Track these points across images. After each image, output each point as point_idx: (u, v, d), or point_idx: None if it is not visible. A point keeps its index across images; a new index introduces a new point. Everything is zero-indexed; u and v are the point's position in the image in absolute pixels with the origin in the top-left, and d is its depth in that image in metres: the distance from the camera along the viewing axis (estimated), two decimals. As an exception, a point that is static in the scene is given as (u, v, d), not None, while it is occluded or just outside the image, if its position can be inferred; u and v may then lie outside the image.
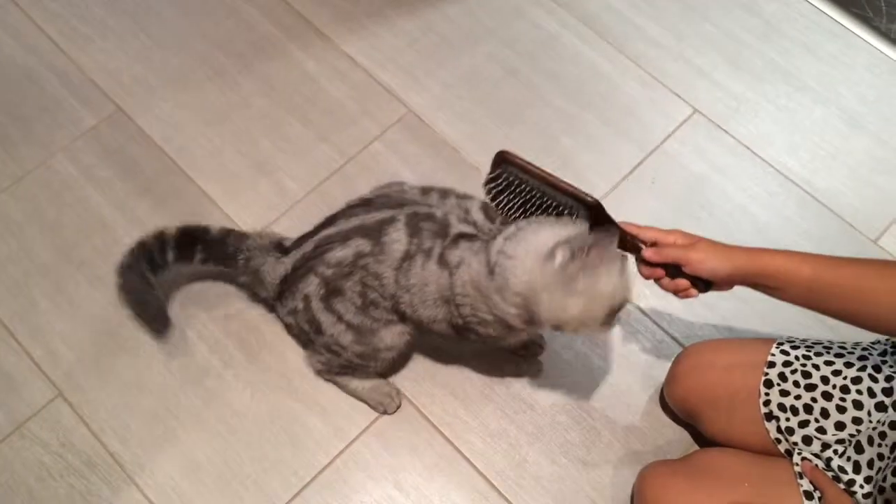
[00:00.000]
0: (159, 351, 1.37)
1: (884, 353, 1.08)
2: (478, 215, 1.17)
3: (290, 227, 1.48)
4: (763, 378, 1.11)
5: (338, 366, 1.28)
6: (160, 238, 1.25)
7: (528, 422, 1.33)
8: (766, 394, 1.10)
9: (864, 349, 1.10)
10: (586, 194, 1.01)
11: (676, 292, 1.05)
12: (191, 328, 1.39)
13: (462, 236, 1.10)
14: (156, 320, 1.28)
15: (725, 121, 1.61)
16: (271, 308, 1.34)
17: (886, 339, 1.13)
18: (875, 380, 1.05)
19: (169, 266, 1.27)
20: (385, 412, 1.33)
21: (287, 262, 1.20)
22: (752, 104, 1.64)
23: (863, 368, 1.06)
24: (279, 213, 1.50)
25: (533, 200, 1.04)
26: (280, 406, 1.33)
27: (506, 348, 1.33)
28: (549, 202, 1.04)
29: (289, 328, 1.32)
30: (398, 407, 1.33)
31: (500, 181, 1.05)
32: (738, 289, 1.44)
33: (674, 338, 1.40)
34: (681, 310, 1.42)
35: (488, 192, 1.07)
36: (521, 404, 1.34)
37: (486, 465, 1.30)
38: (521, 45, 1.69)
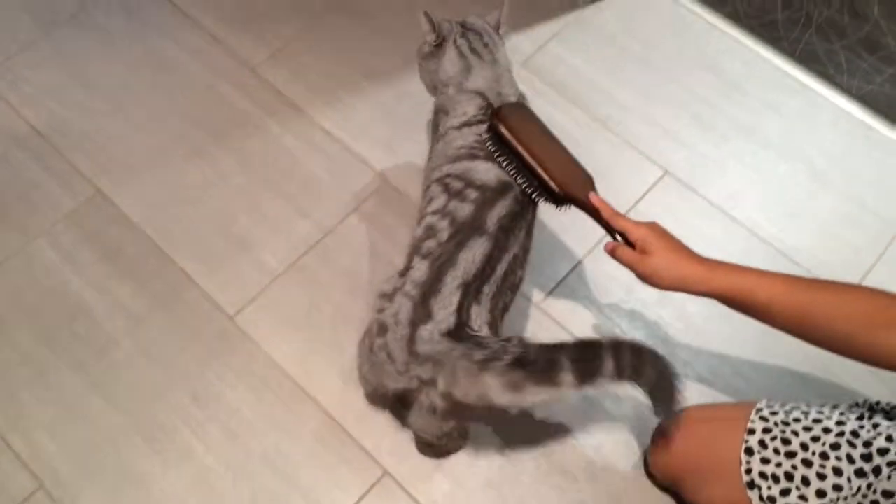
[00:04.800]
0: (142, 439, 1.36)
1: (861, 418, 1.09)
2: None
3: (269, 305, 1.49)
4: (744, 445, 1.12)
5: None
6: None
7: (512, 494, 1.33)
8: (748, 461, 1.11)
9: (841, 413, 1.11)
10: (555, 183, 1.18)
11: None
12: (173, 413, 1.38)
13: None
14: None
15: (695, 180, 1.64)
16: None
17: (864, 402, 1.14)
18: (853, 445, 1.06)
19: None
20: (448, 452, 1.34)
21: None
22: (719, 163, 1.67)
23: (840, 434, 1.07)
24: (259, 290, 1.51)
25: (514, 169, 1.17)
26: (263, 489, 1.32)
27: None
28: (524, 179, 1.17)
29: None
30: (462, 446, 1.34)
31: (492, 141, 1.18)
32: (717, 347, 1.46)
33: (655, 401, 1.40)
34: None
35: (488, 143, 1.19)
36: (505, 475, 1.34)
37: (474, 540, 1.29)
38: (493, 112, 1.72)
